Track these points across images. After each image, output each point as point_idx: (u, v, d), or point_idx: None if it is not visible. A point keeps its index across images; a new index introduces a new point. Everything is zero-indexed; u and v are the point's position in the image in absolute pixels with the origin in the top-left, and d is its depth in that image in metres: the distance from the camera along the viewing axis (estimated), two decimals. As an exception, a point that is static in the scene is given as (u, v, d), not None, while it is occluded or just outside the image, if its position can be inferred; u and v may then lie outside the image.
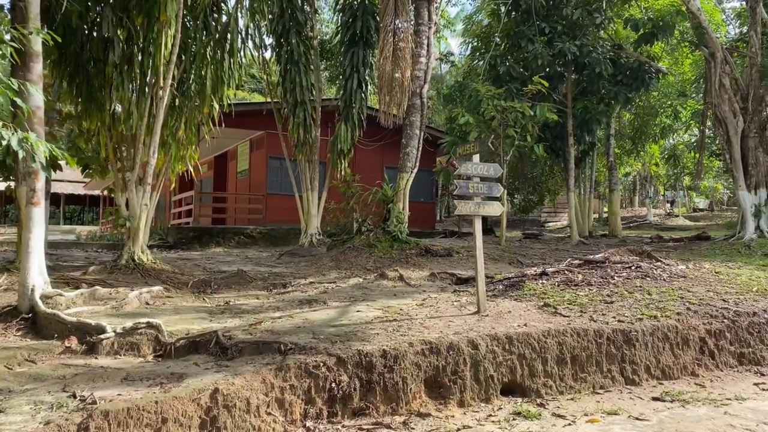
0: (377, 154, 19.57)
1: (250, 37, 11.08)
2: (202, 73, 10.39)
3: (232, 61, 10.53)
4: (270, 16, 15.33)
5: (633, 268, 7.66)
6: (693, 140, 25.11)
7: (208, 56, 10.51)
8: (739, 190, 13.42)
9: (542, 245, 14.71)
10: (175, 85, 10.30)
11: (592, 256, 8.80)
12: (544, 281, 7.34)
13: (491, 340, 4.86)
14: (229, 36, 10.70)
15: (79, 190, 36.52)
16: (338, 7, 15.28)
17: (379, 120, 13.42)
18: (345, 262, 10.32)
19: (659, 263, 8.21)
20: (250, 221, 19.89)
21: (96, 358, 4.78)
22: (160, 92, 9.27)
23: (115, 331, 4.97)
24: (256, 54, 11.80)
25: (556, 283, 7.18)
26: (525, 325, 5.26)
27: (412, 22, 12.03)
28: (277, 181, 20.16)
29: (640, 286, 6.88)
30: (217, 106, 10.30)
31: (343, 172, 14.96)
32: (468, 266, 10.04)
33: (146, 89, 9.53)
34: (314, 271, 10.23)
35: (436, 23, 13.18)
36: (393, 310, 6.19)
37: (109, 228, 26.33)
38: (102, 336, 4.92)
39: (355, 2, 14.58)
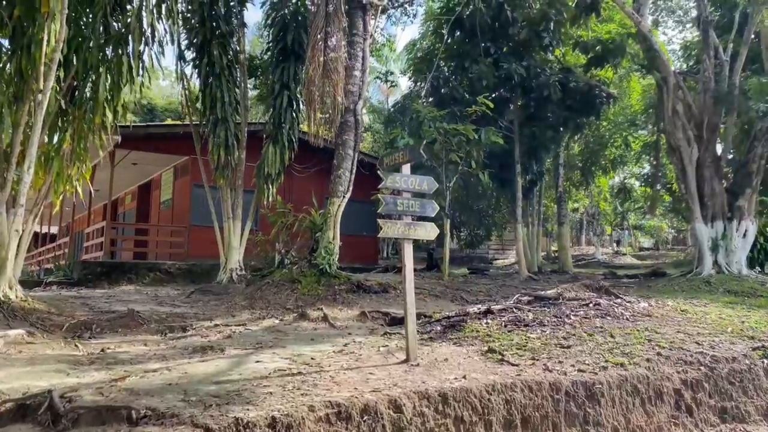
0: (316, 182, 18.62)
1: (156, 38, 10.02)
2: (95, 77, 9.24)
3: (132, 64, 9.41)
4: (188, 26, 14.45)
5: (591, 305, 6.90)
6: (643, 173, 25.36)
7: (107, 58, 9.39)
8: (695, 223, 13.11)
9: (489, 281, 13.98)
10: (64, 90, 9.14)
11: (543, 292, 8.03)
12: (488, 321, 6.47)
13: (420, 398, 3.89)
14: (130, 36, 9.61)
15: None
16: (268, 21, 14.46)
17: (316, 145, 12.55)
18: (261, 301, 9.19)
19: (619, 300, 7.49)
20: (172, 256, 18.46)
21: None
22: (39, 96, 8.05)
23: None
24: (163, 59, 10.83)
25: (503, 323, 6.31)
26: (464, 377, 4.32)
27: (345, 32, 11.28)
28: (201, 211, 18.83)
29: (601, 327, 6.10)
30: (110, 116, 9.11)
31: (270, 199, 13.94)
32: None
33: (24, 93, 8.30)
34: (224, 311, 9.06)
35: (372, 35, 12.49)
36: (302, 360, 5.14)
37: (30, 264, 24.26)
38: None
39: (287, 15, 13.83)
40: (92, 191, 18.38)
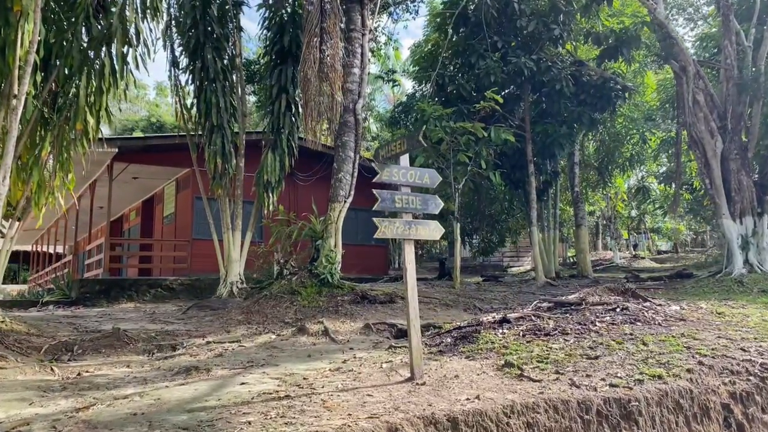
0: (322, 190, 18.16)
1: (141, 39, 9.60)
2: (77, 81, 8.81)
3: (116, 65, 8.98)
4: (181, 29, 14.08)
5: (618, 310, 6.32)
6: (662, 171, 24.65)
7: (89, 61, 8.97)
8: (722, 219, 12.46)
9: (504, 288, 13.39)
10: (44, 95, 8.72)
11: (564, 298, 7.45)
12: (505, 331, 5.91)
13: (426, 424, 3.36)
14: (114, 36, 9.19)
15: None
16: (266, 24, 14.06)
17: (315, 148, 12.10)
18: (258, 315, 8.68)
19: (648, 303, 6.91)
20: (175, 271, 18.11)
21: None
22: (14, 102, 7.63)
23: None
24: (150, 61, 10.34)
25: (521, 333, 5.75)
26: (478, 397, 3.77)
27: (342, 28, 10.83)
28: (204, 224, 18.52)
29: (631, 334, 5.52)
30: (92, 121, 8.67)
31: (271, 208, 13.49)
32: (412, 315, 8.54)
33: (-2, 98, 7.87)
34: (218, 327, 8.57)
35: (372, 30, 12.03)
36: (293, 380, 4.62)
37: (35, 284, 24.03)
38: None
39: (284, 15, 13.44)
40: (95, 207, 18.10)
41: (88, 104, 8.65)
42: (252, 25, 63.76)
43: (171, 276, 17.52)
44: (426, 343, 5.97)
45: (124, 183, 19.60)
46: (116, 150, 16.54)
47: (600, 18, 15.02)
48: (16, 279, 44.91)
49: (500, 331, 5.90)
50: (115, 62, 9.10)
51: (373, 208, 4.31)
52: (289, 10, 13.64)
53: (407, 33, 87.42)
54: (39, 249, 30.03)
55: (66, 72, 9.00)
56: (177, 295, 16.70)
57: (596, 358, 4.81)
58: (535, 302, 7.48)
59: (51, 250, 25.53)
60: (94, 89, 8.86)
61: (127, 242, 25.32)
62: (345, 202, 10.13)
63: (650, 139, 19.83)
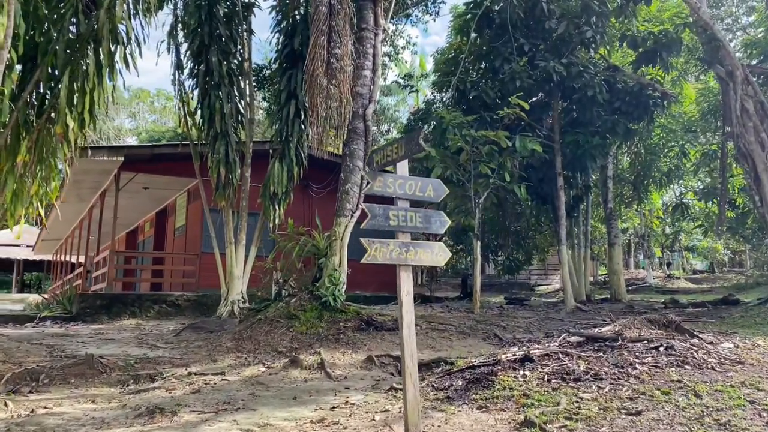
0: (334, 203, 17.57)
1: (132, 37, 9.06)
2: (60, 81, 8.27)
3: (103, 62, 8.42)
4: (186, 30, 13.63)
5: (662, 349, 5.47)
6: (701, 187, 23.53)
7: (74, 59, 8.45)
8: (774, 240, 11.49)
9: (529, 313, 12.51)
10: (25, 96, 8.21)
11: (596, 330, 6.62)
12: (526, 372, 5.11)
13: None
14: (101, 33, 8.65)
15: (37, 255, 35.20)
16: (277, 27, 13.52)
17: (334, 161, 11.45)
18: (250, 342, 7.97)
19: (695, 340, 6.05)
20: (184, 286, 17.59)
21: None
22: (-15, 102, 7.11)
23: None
24: (140, 59, 9.77)
25: (546, 376, 4.95)
26: (486, 473, 2.99)
27: (353, 26, 10.20)
28: (216, 237, 18.06)
29: (679, 381, 4.68)
30: (73, 124, 8.09)
31: (277, 221, 12.86)
32: (423, 344, 7.78)
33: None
34: (205, 354, 7.88)
35: (385, 30, 11.37)
36: (264, 435, 3.89)
37: (52, 295, 23.80)
38: None
39: (297, 16, 12.89)
40: (110, 218, 17.67)
41: (70, 106, 8.09)
42: (266, 30, 63.80)
43: (179, 291, 17.06)
44: (433, 386, 5.21)
45: (135, 193, 19.26)
46: (122, 159, 16.12)
47: (636, 19, 14.17)
48: (41, 288, 45.37)
49: (521, 372, 5.11)
50: (101, 59, 8.56)
51: (362, 226, 3.58)
52: (302, 11, 13.10)
53: (433, 45, 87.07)
54: (59, 258, 30.01)
55: (50, 71, 8.50)
56: (182, 312, 16.24)
57: (638, 413, 4.00)
58: (563, 335, 6.65)
59: (73, 260, 25.35)
60: (75, 89, 8.31)
61: (130, 255, 25.03)
62: (352, 216, 9.41)
63: (690, 152, 18.80)
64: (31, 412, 5.28)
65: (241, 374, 6.61)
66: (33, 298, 29.12)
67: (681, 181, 24.04)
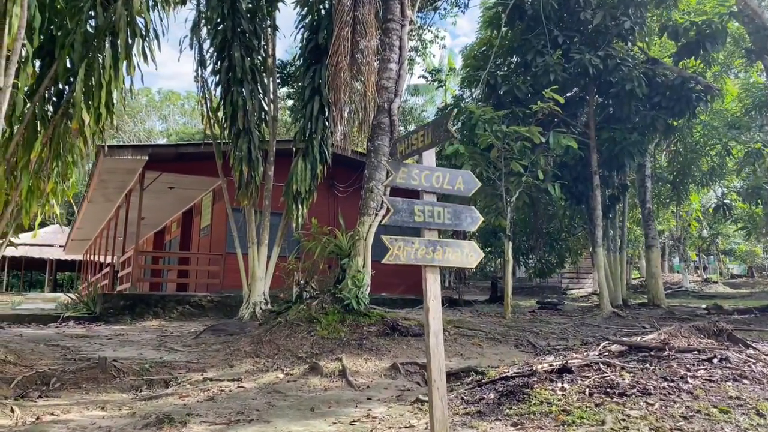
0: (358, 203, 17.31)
1: (151, 29, 8.87)
2: (77, 75, 8.11)
3: (120, 56, 8.23)
4: (209, 25, 13.47)
5: (715, 361, 5.02)
6: (741, 186, 22.65)
7: (91, 52, 8.28)
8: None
9: (563, 318, 12.05)
10: (42, 91, 8.08)
11: (639, 338, 6.17)
12: (565, 385, 4.71)
13: None
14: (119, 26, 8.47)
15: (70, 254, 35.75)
16: (302, 23, 13.29)
17: (359, 160, 11.15)
18: (269, 346, 7.67)
19: (752, 351, 5.57)
20: (209, 287, 17.52)
21: None
22: (-2, 96, 6.93)
23: None
24: (159, 52, 9.59)
25: (586, 390, 4.55)
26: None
27: (378, 17, 9.87)
28: (239, 237, 17.97)
29: (738, 397, 4.25)
30: (89, 119, 7.90)
31: (300, 220, 12.62)
32: (451, 352, 7.41)
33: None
34: (222, 359, 7.61)
35: (412, 21, 11.01)
36: (275, 453, 3.57)
37: (81, 295, 24.04)
38: None
39: (322, 10, 12.64)
40: (132, 218, 17.68)
41: (86, 100, 7.91)
42: (291, 28, 63.96)
43: (204, 292, 16.96)
44: (462, 398, 4.85)
45: (161, 193, 19.30)
46: (146, 158, 16.11)
47: (677, 9, 13.57)
48: (72, 288, 46.29)
49: (559, 385, 4.71)
50: (118, 53, 8.36)
51: (382, 222, 3.24)
52: (326, 6, 12.84)
53: (461, 46, 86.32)
54: (89, 258, 30.37)
55: (66, 66, 8.34)
56: (206, 313, 16.14)
57: (694, 435, 3.58)
58: (602, 343, 6.22)
59: (101, 260, 25.56)
60: (92, 83, 8.14)
61: (155, 255, 25.07)
62: (376, 215, 9.06)
63: (732, 149, 18.05)
64: (37, 419, 5.08)
65: (258, 381, 6.32)
66: (64, 297, 29.54)
67: (722, 181, 23.19)
